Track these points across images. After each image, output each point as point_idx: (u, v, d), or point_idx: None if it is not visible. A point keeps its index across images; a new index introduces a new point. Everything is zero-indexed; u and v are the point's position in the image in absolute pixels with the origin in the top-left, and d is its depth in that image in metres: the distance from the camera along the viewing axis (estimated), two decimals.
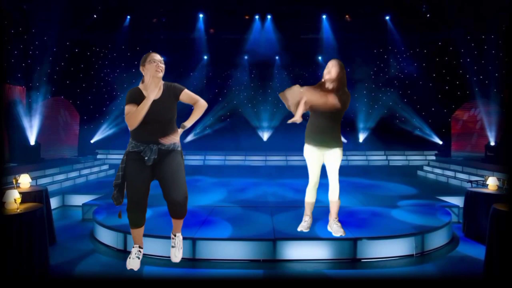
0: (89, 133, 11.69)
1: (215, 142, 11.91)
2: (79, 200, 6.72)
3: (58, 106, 10.52)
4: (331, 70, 3.50)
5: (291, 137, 12.03)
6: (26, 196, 4.27)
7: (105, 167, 10.40)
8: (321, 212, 5.34)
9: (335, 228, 3.59)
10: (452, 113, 11.34)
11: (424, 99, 11.75)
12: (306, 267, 4.05)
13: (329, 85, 3.50)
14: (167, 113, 2.80)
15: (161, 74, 2.80)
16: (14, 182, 4.77)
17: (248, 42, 12.03)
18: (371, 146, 11.52)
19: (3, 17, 7.71)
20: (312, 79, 12.76)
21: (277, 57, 12.73)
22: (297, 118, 3.39)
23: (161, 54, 2.88)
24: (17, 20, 8.86)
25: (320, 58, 12.79)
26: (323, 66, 12.34)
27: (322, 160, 3.61)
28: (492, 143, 9.38)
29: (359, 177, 8.71)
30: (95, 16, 10.85)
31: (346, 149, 3.57)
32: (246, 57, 12.66)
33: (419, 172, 10.36)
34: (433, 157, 11.29)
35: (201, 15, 11.84)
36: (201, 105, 2.95)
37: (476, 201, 5.07)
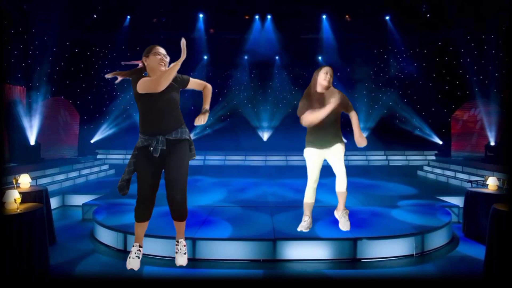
0: (89, 133, 11.69)
1: (215, 142, 11.91)
2: (79, 200, 6.71)
3: (58, 106, 10.52)
4: (330, 80, 3.49)
5: (291, 137, 12.03)
6: (26, 196, 4.27)
7: (105, 167, 10.40)
8: (321, 212, 5.34)
9: (342, 221, 3.64)
10: (452, 113, 11.34)
11: (424, 99, 11.75)
12: (306, 267, 4.05)
13: (322, 90, 3.50)
14: (174, 102, 2.81)
15: (164, 68, 2.79)
16: (14, 182, 4.77)
17: (248, 42, 12.03)
18: (371, 146, 11.44)
19: (3, 17, 7.71)
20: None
21: (277, 57, 12.73)
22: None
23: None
24: (17, 20, 8.86)
25: (320, 58, 12.79)
26: None
27: (322, 160, 3.64)
28: (492, 143, 9.38)
29: (359, 177, 8.71)
30: (95, 16, 10.85)
31: (346, 149, 3.58)
32: (246, 57, 12.66)
33: (419, 172, 10.36)
34: (433, 157, 11.29)
35: (201, 15, 11.84)
36: (209, 87, 3.04)
37: (476, 201, 5.07)
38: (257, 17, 11.99)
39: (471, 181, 7.14)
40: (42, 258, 3.73)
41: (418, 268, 4.05)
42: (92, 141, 11.71)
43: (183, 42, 2.76)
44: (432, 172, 9.82)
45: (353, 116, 3.54)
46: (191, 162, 3.07)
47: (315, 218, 4.94)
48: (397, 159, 11.49)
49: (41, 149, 9.02)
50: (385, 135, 11.62)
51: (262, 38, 11.92)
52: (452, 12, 10.04)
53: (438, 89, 11.57)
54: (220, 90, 12.75)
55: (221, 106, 12.74)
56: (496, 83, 9.89)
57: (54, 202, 6.36)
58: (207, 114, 2.93)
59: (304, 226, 3.73)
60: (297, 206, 5.84)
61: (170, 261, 4.11)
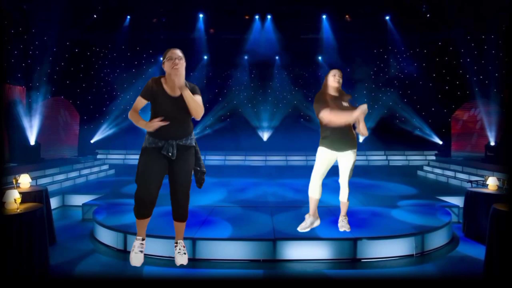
0: (89, 133, 11.69)
1: (215, 142, 11.91)
2: (79, 200, 6.71)
3: (58, 106, 10.52)
4: (339, 80, 3.71)
5: (291, 137, 12.06)
6: (26, 196, 4.27)
7: (105, 167, 10.40)
8: (321, 212, 5.33)
9: (341, 224, 3.85)
10: (452, 113, 11.34)
11: (424, 99, 11.74)
12: (306, 267, 4.05)
13: (334, 93, 3.69)
14: (185, 111, 2.84)
15: (178, 72, 2.75)
16: (14, 182, 4.77)
17: (248, 42, 12.02)
18: (371, 146, 11.52)
19: (3, 17, 7.71)
20: (312, 79, 12.77)
21: (277, 57, 12.73)
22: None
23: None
24: (17, 20, 8.85)
25: (320, 58, 12.79)
26: (323, 66, 12.39)
27: (334, 160, 3.71)
28: (492, 143, 9.38)
29: (359, 177, 8.71)
30: (95, 16, 10.85)
31: None
32: (246, 57, 12.65)
33: (419, 172, 10.36)
34: (433, 157, 11.29)
35: (201, 15, 11.83)
36: (200, 105, 2.87)
37: (476, 201, 5.07)
38: (257, 17, 11.99)
39: (471, 181, 7.14)
40: (42, 258, 3.73)
41: (418, 268, 4.05)
42: (92, 141, 11.71)
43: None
44: (432, 172, 9.82)
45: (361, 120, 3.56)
46: None
47: None
48: (397, 159, 11.49)
49: (41, 149, 9.02)
50: (385, 135, 11.62)
51: (262, 38, 11.92)
52: (452, 12, 10.04)
53: (438, 89, 11.57)
54: (220, 90, 12.75)
55: (221, 106, 12.74)
56: (496, 83, 9.89)
57: (54, 202, 6.36)
58: (177, 76, 2.74)
59: (303, 226, 3.80)
60: (297, 206, 5.85)
61: (170, 261, 4.11)
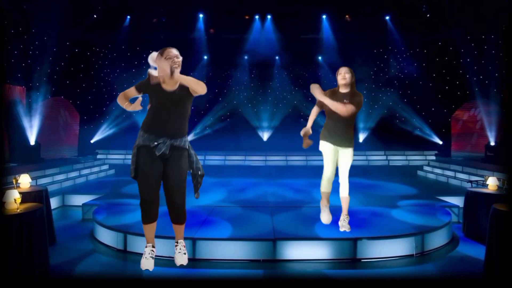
0: (89, 133, 11.69)
1: (215, 142, 11.91)
2: (79, 200, 6.71)
3: (58, 106, 10.52)
4: (345, 76, 3.81)
5: (291, 137, 11.99)
6: (26, 196, 4.26)
7: (105, 167, 10.40)
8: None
9: (342, 223, 4.01)
10: (452, 113, 11.34)
11: (424, 99, 11.74)
12: (306, 267, 4.05)
13: (343, 90, 3.83)
14: (182, 107, 2.86)
15: (178, 70, 2.84)
16: (14, 182, 4.77)
17: (248, 42, 12.02)
18: (371, 146, 11.52)
19: (3, 17, 7.70)
20: (312, 79, 12.75)
21: (277, 57, 12.72)
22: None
23: None
24: (17, 20, 8.85)
25: (320, 58, 12.79)
26: (323, 66, 12.42)
27: (337, 156, 3.94)
28: (492, 143, 9.38)
29: (359, 177, 8.70)
30: (95, 16, 10.85)
31: None
32: (246, 57, 12.65)
33: (419, 172, 10.36)
34: (433, 157, 11.29)
35: (201, 15, 11.83)
36: (201, 82, 2.95)
37: (476, 201, 5.07)
38: (257, 17, 11.99)
39: (471, 181, 7.14)
40: (42, 258, 3.73)
41: (418, 268, 4.05)
42: (92, 141, 11.71)
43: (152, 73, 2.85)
44: (432, 172, 9.82)
45: (347, 105, 3.74)
46: None
47: (314, 218, 4.95)
48: (397, 159, 11.49)
49: (41, 149, 9.02)
50: (385, 135, 11.63)
51: (262, 38, 11.92)
52: (452, 12, 10.04)
53: (438, 89, 11.56)
54: (220, 90, 12.75)
55: (221, 106, 12.74)
56: (496, 83, 9.89)
57: (54, 202, 6.36)
58: (170, 67, 2.79)
59: (324, 219, 4.01)
60: (297, 206, 5.85)
61: (170, 261, 4.11)
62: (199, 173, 3.02)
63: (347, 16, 11.82)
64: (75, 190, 7.55)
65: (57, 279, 3.79)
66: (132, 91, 2.92)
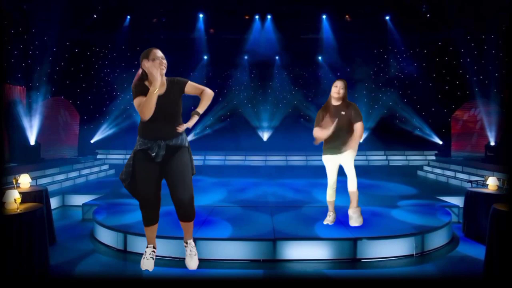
0: (89, 133, 11.69)
1: (215, 142, 11.91)
2: (79, 200, 6.71)
3: (58, 106, 10.52)
4: (339, 91, 4.12)
5: (291, 137, 12.06)
6: (26, 196, 4.27)
7: (105, 167, 10.41)
8: (321, 212, 5.34)
9: (354, 218, 4.26)
10: (452, 113, 11.34)
11: (424, 99, 11.74)
12: (306, 267, 4.05)
13: (336, 102, 4.16)
14: (173, 107, 2.81)
15: (164, 71, 2.79)
16: (14, 182, 4.77)
17: (248, 42, 12.03)
18: (371, 146, 11.52)
19: (3, 17, 7.71)
20: (312, 79, 12.78)
21: (277, 57, 12.73)
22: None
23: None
24: (17, 20, 8.85)
25: (320, 58, 12.79)
26: (323, 66, 12.42)
27: (338, 164, 4.30)
28: (492, 143, 9.38)
29: (359, 177, 8.64)
30: (95, 16, 10.85)
31: None
32: (246, 57, 12.66)
33: (419, 172, 10.36)
34: (433, 157, 11.29)
35: (201, 15, 11.84)
36: (208, 93, 2.95)
37: (476, 201, 5.07)
38: (257, 17, 11.99)
39: (471, 181, 7.14)
40: (42, 258, 3.73)
41: (418, 268, 4.05)
42: (92, 141, 11.71)
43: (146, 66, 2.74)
44: (432, 172, 9.82)
45: (358, 128, 4.14)
46: None
47: (315, 218, 4.96)
48: (397, 159, 11.49)
49: (41, 149, 9.02)
50: (385, 135, 11.63)
51: (262, 38, 11.92)
52: (452, 12, 10.04)
53: (438, 89, 11.56)
54: (220, 90, 12.75)
55: (221, 106, 12.74)
56: (496, 83, 9.89)
57: (54, 202, 6.36)
58: (195, 118, 2.84)
59: (328, 220, 4.55)
60: (297, 206, 5.85)
61: (170, 261, 4.12)
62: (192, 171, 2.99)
63: (347, 16, 11.82)
64: (75, 190, 7.55)
65: (57, 279, 3.79)
66: (142, 99, 2.70)
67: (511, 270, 3.31)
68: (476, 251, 4.45)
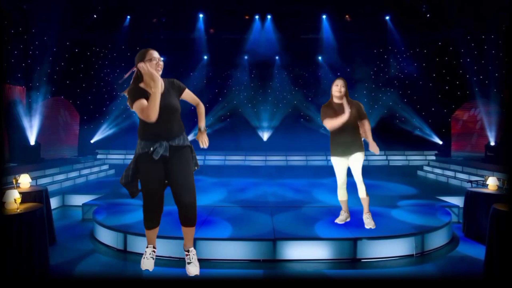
0: (89, 133, 11.69)
1: (215, 142, 11.83)
2: (79, 200, 6.71)
3: (58, 106, 10.52)
4: (341, 89, 4.12)
5: (291, 137, 12.07)
6: (26, 196, 4.27)
7: (105, 167, 10.40)
8: (321, 212, 5.35)
9: (366, 222, 4.32)
10: (452, 113, 11.34)
11: (424, 99, 11.75)
12: (306, 267, 4.05)
13: (338, 100, 4.15)
14: (173, 107, 2.78)
15: (160, 72, 2.76)
16: (14, 182, 4.77)
17: (248, 42, 12.03)
18: None
19: (3, 17, 7.71)
20: (312, 79, 12.78)
21: (277, 57, 12.73)
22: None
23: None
24: (17, 20, 8.86)
25: (320, 58, 12.79)
26: (323, 66, 12.42)
27: (347, 165, 4.29)
28: (492, 143, 9.38)
29: None
30: (95, 16, 10.85)
31: None
32: (246, 57, 12.66)
33: (419, 172, 10.36)
34: (433, 157, 11.29)
35: (201, 15, 11.84)
36: (203, 107, 3.09)
37: (476, 201, 5.07)
38: (257, 17, 11.99)
39: (471, 181, 7.14)
40: (42, 258, 3.73)
41: (418, 268, 4.05)
42: (92, 141, 11.71)
43: (143, 68, 2.69)
44: (432, 172, 9.81)
45: (365, 124, 4.23)
46: None
47: (315, 218, 4.96)
48: (397, 159, 11.49)
49: (41, 149, 9.02)
50: (385, 135, 11.60)
51: (262, 38, 11.92)
52: (452, 12, 10.04)
53: (438, 89, 11.57)
54: (220, 90, 12.76)
55: (221, 106, 12.74)
56: (496, 83, 9.89)
57: (54, 202, 6.36)
58: (205, 133, 3.05)
59: (340, 219, 4.59)
60: (297, 206, 5.85)
61: (170, 261, 4.12)
62: (194, 167, 3.00)
63: (347, 16, 11.82)
64: (75, 190, 7.54)
65: (57, 279, 3.79)
66: (142, 102, 2.61)
67: (511, 270, 3.31)
68: (476, 251, 4.45)
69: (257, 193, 7.12)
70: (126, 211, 5.38)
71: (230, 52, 12.19)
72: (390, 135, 11.71)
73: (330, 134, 4.24)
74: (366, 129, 4.21)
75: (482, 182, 6.46)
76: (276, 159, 11.35)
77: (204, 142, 3.03)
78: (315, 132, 12.00)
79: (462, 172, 8.82)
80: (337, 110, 4.08)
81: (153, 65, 2.70)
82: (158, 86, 2.60)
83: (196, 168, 3.00)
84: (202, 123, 3.06)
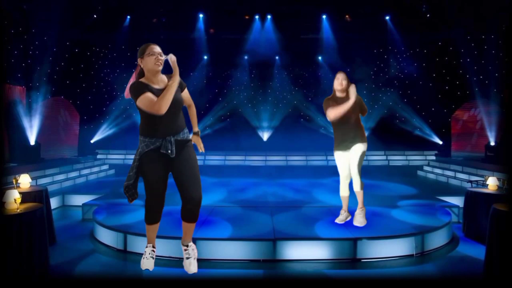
0: (89, 133, 11.69)
1: (215, 142, 11.90)
2: (79, 200, 6.71)
3: (58, 106, 10.52)
4: (342, 82, 4.14)
5: (291, 137, 12.07)
6: (26, 196, 4.26)
7: (105, 167, 10.41)
8: (321, 212, 5.35)
9: (357, 218, 4.27)
10: (452, 113, 11.34)
11: (424, 99, 11.74)
12: (306, 267, 4.05)
13: (340, 94, 4.16)
14: (177, 103, 2.78)
15: (161, 67, 2.76)
16: (14, 182, 4.77)
17: (248, 42, 12.03)
18: (371, 146, 11.40)
19: (3, 17, 7.71)
20: (312, 79, 12.78)
21: (277, 57, 12.73)
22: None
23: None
24: (17, 20, 8.86)
25: (320, 58, 12.79)
26: (323, 66, 12.49)
27: (349, 157, 4.24)
28: (492, 143, 9.38)
29: None
30: (95, 16, 10.85)
31: None
32: (246, 57, 12.66)
33: (419, 172, 10.36)
34: (433, 157, 11.29)
35: (201, 15, 11.84)
36: (195, 109, 3.13)
37: (476, 201, 5.07)
38: (257, 17, 11.99)
39: (471, 181, 7.14)
40: (42, 258, 3.73)
41: (418, 268, 4.05)
42: (92, 141, 11.71)
43: (172, 59, 2.75)
44: (432, 172, 9.82)
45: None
46: None
47: (315, 218, 4.96)
48: (397, 159, 11.49)
49: (41, 149, 9.02)
50: (385, 135, 11.62)
51: (262, 38, 11.92)
52: (452, 12, 10.04)
53: (438, 89, 11.56)
54: (220, 90, 12.75)
55: (221, 106, 12.74)
56: (496, 83, 9.89)
57: (54, 202, 6.36)
58: (199, 137, 3.08)
59: (340, 219, 4.51)
60: (297, 206, 5.85)
61: (170, 261, 4.12)
62: None
63: (347, 16, 11.82)
64: (75, 190, 7.54)
65: (57, 279, 3.79)
66: (148, 96, 2.62)
67: (511, 270, 3.31)
68: (476, 251, 4.45)
69: (257, 193, 7.12)
70: (126, 211, 5.38)
71: (230, 52, 12.19)
72: (390, 135, 11.72)
73: (333, 128, 4.23)
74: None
75: (482, 182, 6.46)
76: (276, 159, 11.35)
77: (202, 147, 3.10)
78: (315, 132, 12.00)
79: (462, 172, 8.83)
80: (339, 104, 4.07)
81: (152, 60, 2.71)
82: (176, 80, 2.70)
83: None
84: (196, 127, 3.08)
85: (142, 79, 2.77)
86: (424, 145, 11.78)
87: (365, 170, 10.18)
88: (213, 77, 12.89)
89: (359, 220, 4.25)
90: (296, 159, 11.27)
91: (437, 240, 4.58)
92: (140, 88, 2.65)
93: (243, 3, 11.24)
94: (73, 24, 10.23)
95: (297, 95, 12.71)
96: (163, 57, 2.77)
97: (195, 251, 3.05)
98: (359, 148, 4.12)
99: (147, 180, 2.80)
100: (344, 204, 4.47)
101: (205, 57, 12.77)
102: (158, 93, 2.67)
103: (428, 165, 10.63)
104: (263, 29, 12.03)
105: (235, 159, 11.43)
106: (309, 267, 4.06)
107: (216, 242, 4.20)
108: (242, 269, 4.00)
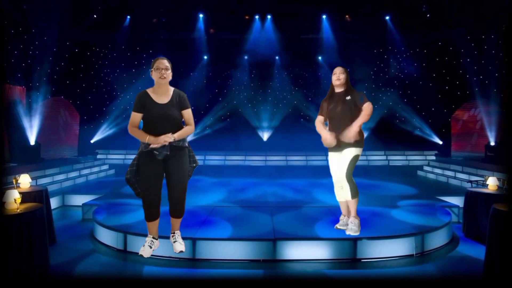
0: (89, 133, 11.69)
1: (215, 142, 11.91)
2: (79, 200, 6.71)
3: (58, 106, 10.52)
4: (339, 77, 3.94)
5: (291, 137, 12.07)
6: (26, 196, 4.27)
7: (105, 167, 10.40)
8: (321, 212, 5.35)
9: (350, 228, 3.86)
10: (452, 113, 11.35)
11: (424, 99, 11.75)
12: (306, 267, 4.05)
13: (339, 89, 3.97)
14: (175, 114, 3.05)
15: (166, 81, 3.04)
16: (14, 182, 4.77)
17: (248, 42, 12.03)
18: (371, 146, 11.51)
19: (3, 17, 7.71)
20: (312, 79, 12.78)
21: (277, 57, 12.73)
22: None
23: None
24: (17, 20, 8.86)
25: (320, 58, 12.79)
26: (323, 66, 12.47)
27: (340, 161, 3.94)
28: (492, 143, 9.38)
29: (359, 177, 8.66)
30: (95, 16, 10.85)
31: None
32: (246, 57, 12.66)
33: (419, 172, 10.36)
34: (433, 157, 11.29)
35: (201, 15, 11.84)
36: (192, 129, 3.20)
37: (476, 201, 5.07)
38: (257, 17, 11.99)
39: (471, 181, 7.14)
40: (42, 258, 3.73)
41: (418, 268, 4.05)
42: (92, 141, 11.71)
43: (165, 139, 2.98)
44: (432, 172, 9.82)
45: (365, 108, 3.75)
46: None
47: (315, 218, 4.96)
48: (397, 159, 11.49)
49: (41, 149, 9.02)
50: (385, 135, 11.63)
51: (262, 38, 11.92)
52: (452, 12, 10.04)
53: (438, 89, 11.57)
54: (220, 90, 12.75)
55: (221, 106, 12.74)
56: (496, 83, 9.89)
57: (54, 202, 6.36)
58: (169, 139, 2.95)
59: (340, 224, 4.11)
60: (297, 206, 5.85)
61: (170, 261, 4.12)
62: (193, 165, 3.29)
63: (347, 16, 11.82)
64: (75, 190, 7.54)
65: (57, 279, 3.79)
66: (135, 117, 3.02)
67: (511, 270, 3.31)
68: (476, 251, 4.45)
69: (257, 193, 7.12)
70: (126, 211, 5.38)
71: (230, 52, 12.19)
72: (390, 135, 11.72)
73: (328, 127, 3.96)
74: (361, 113, 3.72)
75: (482, 182, 6.46)
76: (276, 159, 11.35)
77: (160, 139, 2.95)
78: (315, 132, 11.85)
79: (462, 172, 8.83)
80: (336, 100, 3.85)
81: (157, 74, 2.99)
82: (152, 140, 2.94)
83: (195, 165, 3.28)
84: (177, 134, 3.01)
85: (149, 89, 3.08)
86: (424, 145, 11.78)
87: (365, 170, 10.25)
88: (213, 77, 12.89)
89: (352, 228, 3.80)
90: (296, 159, 11.27)
91: (437, 240, 4.58)
92: (137, 103, 3.00)
93: (243, 3, 11.24)
94: (73, 24, 10.24)
95: (297, 95, 12.71)
96: (169, 72, 3.05)
97: (180, 236, 3.37)
98: (351, 152, 3.72)
99: (145, 176, 3.04)
100: (343, 209, 4.07)
101: (205, 57, 12.77)
102: (152, 108, 2.98)
103: (428, 165, 10.63)
104: (263, 29, 12.04)
105: (235, 159, 11.43)
106: (309, 267, 4.06)
107: (216, 242, 4.20)
108: (242, 269, 4.00)
